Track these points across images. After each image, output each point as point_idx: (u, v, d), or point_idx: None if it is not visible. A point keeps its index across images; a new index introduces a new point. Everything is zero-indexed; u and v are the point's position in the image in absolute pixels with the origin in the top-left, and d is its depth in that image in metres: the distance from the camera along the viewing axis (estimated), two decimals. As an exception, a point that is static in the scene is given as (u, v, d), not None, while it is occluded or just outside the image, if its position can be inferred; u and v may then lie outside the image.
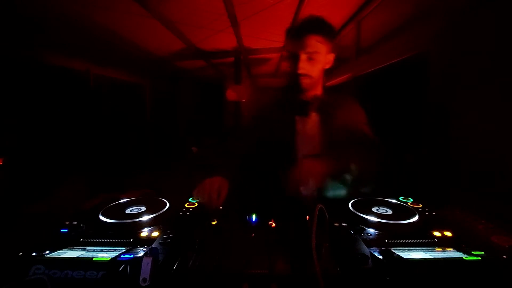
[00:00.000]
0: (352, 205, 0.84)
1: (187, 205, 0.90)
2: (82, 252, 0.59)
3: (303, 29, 0.95)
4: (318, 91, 1.07)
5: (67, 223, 0.75)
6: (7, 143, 2.38)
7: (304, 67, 0.94)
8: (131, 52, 4.07)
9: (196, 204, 0.90)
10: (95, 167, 3.19)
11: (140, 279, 0.49)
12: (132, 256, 0.56)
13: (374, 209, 0.81)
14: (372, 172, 0.92)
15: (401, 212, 0.79)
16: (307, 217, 0.73)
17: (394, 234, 0.69)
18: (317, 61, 0.96)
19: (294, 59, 0.96)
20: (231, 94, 4.81)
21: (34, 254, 0.57)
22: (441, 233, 0.69)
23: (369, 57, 2.57)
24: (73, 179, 2.02)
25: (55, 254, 0.58)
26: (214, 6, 2.63)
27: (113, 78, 3.75)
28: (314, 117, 1.05)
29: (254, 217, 0.75)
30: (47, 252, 0.58)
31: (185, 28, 3.27)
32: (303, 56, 0.94)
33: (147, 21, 2.93)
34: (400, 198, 0.93)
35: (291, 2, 2.55)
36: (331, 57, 1.01)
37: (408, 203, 0.88)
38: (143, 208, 0.83)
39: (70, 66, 2.93)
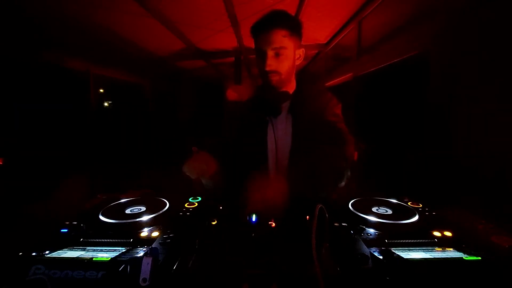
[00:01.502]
0: (352, 205, 0.84)
1: (187, 205, 0.90)
2: (82, 252, 0.59)
3: (268, 24, 0.91)
4: (289, 88, 1.03)
5: (67, 223, 0.75)
6: (7, 143, 2.38)
7: (271, 64, 0.91)
8: (131, 52, 4.07)
9: (196, 204, 0.90)
10: (95, 167, 3.19)
11: (140, 279, 0.49)
12: (132, 256, 0.56)
13: (374, 209, 0.81)
14: (340, 172, 0.88)
15: (401, 212, 0.79)
16: (307, 217, 0.73)
17: (394, 234, 0.69)
18: (285, 57, 0.92)
19: (261, 56, 0.92)
20: (231, 94, 4.80)
21: (34, 254, 0.57)
22: (441, 233, 0.69)
23: (370, 57, 2.56)
24: (73, 179, 2.02)
25: (55, 254, 0.58)
26: (214, 6, 2.63)
27: (113, 78, 3.75)
28: (286, 117, 1.01)
29: (254, 217, 0.75)
30: (47, 252, 0.58)
31: (185, 28, 3.27)
32: (270, 53, 0.90)
33: (147, 21, 2.93)
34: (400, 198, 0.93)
35: (291, 2, 2.55)
36: (300, 52, 0.98)
37: (408, 203, 0.88)
38: (143, 208, 0.83)
39: (70, 66, 2.93)
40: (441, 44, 1.45)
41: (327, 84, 3.83)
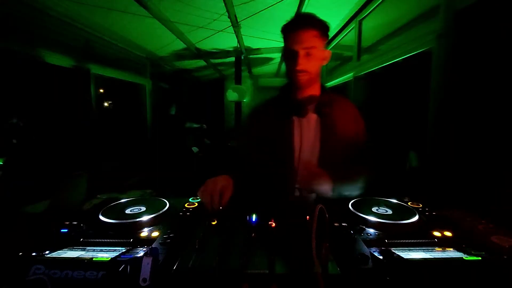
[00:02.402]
0: (352, 205, 0.84)
1: (187, 205, 0.90)
2: (82, 252, 0.59)
3: (300, 24, 0.94)
4: (316, 90, 1.05)
5: (67, 223, 0.75)
6: (7, 143, 2.38)
7: (302, 63, 0.93)
8: (131, 52, 4.07)
9: (196, 204, 0.90)
10: (95, 167, 3.19)
11: (140, 279, 0.49)
12: (132, 256, 0.56)
13: (374, 209, 0.81)
14: (366, 181, 0.94)
15: (401, 212, 0.79)
16: (307, 217, 0.73)
17: (394, 234, 0.69)
18: (314, 57, 0.94)
19: (291, 55, 0.94)
20: (231, 94, 4.81)
21: (34, 254, 0.57)
22: (441, 233, 0.69)
23: (370, 56, 2.56)
24: (73, 179, 2.02)
25: (55, 254, 0.58)
26: (214, 6, 2.63)
27: (113, 78, 3.75)
28: (312, 118, 1.03)
29: (254, 217, 0.75)
30: (47, 252, 0.58)
31: (185, 28, 3.27)
32: (302, 52, 0.93)
33: (147, 21, 2.93)
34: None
35: (291, 2, 2.55)
36: (327, 53, 1.00)
37: (408, 203, 0.88)
38: (143, 208, 0.83)
39: (70, 66, 2.93)
40: (442, 44, 1.45)
41: (327, 84, 3.84)
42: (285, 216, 0.74)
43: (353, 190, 0.92)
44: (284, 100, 1.05)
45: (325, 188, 0.90)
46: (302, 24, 0.94)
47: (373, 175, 0.96)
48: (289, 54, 0.96)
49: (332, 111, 1.02)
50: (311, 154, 1.02)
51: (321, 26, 0.95)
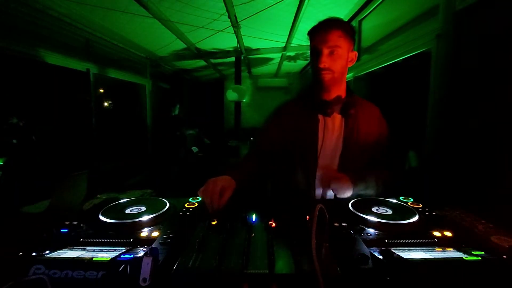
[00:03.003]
0: (352, 205, 0.84)
1: (187, 205, 0.90)
2: (82, 252, 0.59)
3: (325, 24, 0.98)
4: (341, 91, 1.07)
5: (67, 223, 0.75)
6: (7, 143, 2.38)
7: (326, 61, 0.96)
8: (131, 52, 4.07)
9: (196, 204, 0.90)
10: (95, 167, 3.19)
11: (140, 279, 0.49)
12: (132, 256, 0.56)
13: (374, 209, 0.81)
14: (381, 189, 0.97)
15: (401, 212, 0.79)
16: (307, 217, 0.73)
17: (394, 234, 0.69)
18: (338, 56, 0.97)
19: (316, 54, 0.98)
20: (231, 94, 4.81)
21: (34, 254, 0.57)
22: (441, 233, 0.69)
23: (370, 56, 2.56)
24: (73, 179, 2.02)
25: (55, 254, 0.58)
26: (214, 6, 2.64)
27: (113, 78, 3.75)
28: (337, 118, 1.05)
29: (254, 217, 0.75)
30: (47, 252, 0.58)
31: (185, 28, 3.27)
32: (325, 51, 0.96)
33: (147, 21, 2.93)
34: (401, 198, 0.93)
35: (291, 2, 2.55)
36: (353, 55, 1.03)
37: (408, 203, 0.88)
38: (143, 208, 0.83)
39: (70, 66, 2.93)
40: (442, 44, 1.45)
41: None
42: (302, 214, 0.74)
43: (372, 191, 0.96)
44: (309, 99, 1.08)
45: (345, 190, 0.93)
46: (327, 26, 0.97)
47: (397, 179, 0.99)
48: (313, 53, 0.99)
49: (357, 113, 1.04)
50: (332, 155, 1.04)
51: (345, 27, 0.99)
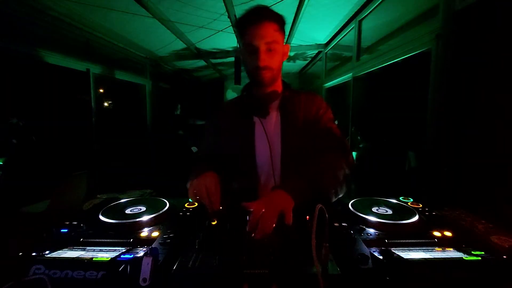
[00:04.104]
0: (352, 205, 0.84)
1: (187, 205, 0.90)
2: (82, 252, 0.59)
3: (258, 17, 0.87)
4: (278, 86, 1.00)
5: (67, 223, 0.75)
6: (7, 143, 2.38)
7: (265, 58, 0.87)
8: (131, 52, 4.07)
9: (196, 204, 0.90)
10: (95, 167, 3.19)
11: (140, 279, 0.49)
12: (132, 256, 0.56)
13: (374, 209, 0.81)
14: (342, 181, 0.80)
15: (401, 212, 0.79)
16: (307, 217, 0.73)
17: (394, 234, 0.69)
18: (276, 52, 0.89)
19: (252, 51, 0.88)
20: (231, 94, 4.81)
21: (34, 254, 0.57)
22: (441, 233, 0.69)
23: (369, 56, 2.57)
24: (73, 179, 2.02)
25: (55, 254, 0.58)
26: (214, 6, 2.64)
27: (113, 78, 3.75)
28: (274, 116, 0.97)
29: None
30: (47, 252, 0.58)
31: (185, 28, 3.27)
32: (263, 47, 0.87)
33: (147, 21, 2.93)
34: (401, 198, 0.93)
35: (291, 2, 2.55)
36: (287, 48, 0.95)
37: (408, 203, 0.88)
38: (143, 208, 0.83)
39: (70, 66, 2.94)
40: (441, 44, 1.45)
41: (325, 85, 3.84)
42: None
43: (334, 188, 0.79)
44: (246, 100, 0.99)
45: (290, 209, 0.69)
46: (261, 17, 0.87)
47: (348, 163, 0.82)
48: (249, 50, 0.89)
49: (295, 107, 0.97)
50: (271, 160, 0.94)
51: (280, 20, 0.90)
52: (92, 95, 3.26)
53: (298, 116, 0.96)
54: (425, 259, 0.55)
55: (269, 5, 0.91)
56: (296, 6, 2.63)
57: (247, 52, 0.90)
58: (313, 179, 0.76)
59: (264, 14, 0.87)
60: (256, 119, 0.96)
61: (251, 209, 0.64)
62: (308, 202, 0.69)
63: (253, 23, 0.87)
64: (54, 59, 2.70)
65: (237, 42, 3.72)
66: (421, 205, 0.87)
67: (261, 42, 0.86)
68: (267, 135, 0.94)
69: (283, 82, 1.02)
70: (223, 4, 2.53)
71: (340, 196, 0.81)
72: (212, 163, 0.93)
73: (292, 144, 0.93)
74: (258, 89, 0.97)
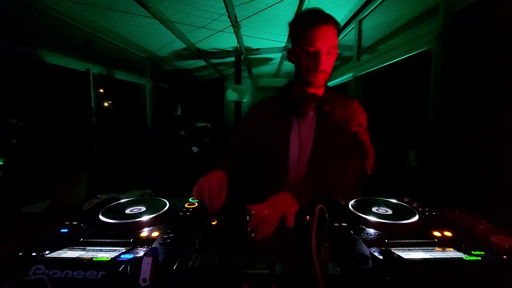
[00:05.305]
0: (352, 205, 0.84)
1: (187, 205, 0.90)
2: (82, 252, 0.59)
3: (323, 20, 0.85)
4: (320, 89, 0.99)
5: (67, 223, 0.75)
6: (7, 143, 2.38)
7: (324, 62, 0.87)
8: (131, 52, 4.07)
9: (196, 204, 0.90)
10: (95, 167, 3.19)
11: (140, 279, 0.49)
12: (132, 256, 0.56)
13: (374, 209, 0.81)
14: (352, 186, 0.80)
15: (401, 212, 0.79)
16: (307, 217, 0.73)
17: (394, 234, 0.69)
18: (333, 56, 0.89)
19: (313, 54, 0.86)
20: (231, 94, 4.81)
21: (34, 254, 0.57)
22: (441, 233, 0.69)
23: (370, 56, 2.56)
24: (73, 179, 2.02)
25: (55, 254, 0.58)
26: (214, 6, 2.64)
27: (113, 78, 3.75)
28: (310, 117, 0.98)
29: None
30: (47, 252, 0.58)
31: (185, 28, 3.27)
32: (325, 51, 0.86)
33: (147, 21, 2.93)
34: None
35: (291, 2, 2.55)
36: (337, 52, 0.95)
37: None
38: (143, 208, 0.83)
39: (70, 66, 2.94)
40: (442, 44, 1.45)
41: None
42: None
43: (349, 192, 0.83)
44: (288, 98, 0.99)
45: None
46: (325, 21, 0.84)
47: (363, 170, 0.83)
48: (309, 52, 0.87)
49: (332, 111, 0.96)
50: (307, 156, 0.95)
51: (339, 25, 0.89)
52: (92, 95, 3.26)
53: (334, 119, 0.95)
54: (425, 259, 0.55)
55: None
56: (296, 6, 2.64)
57: (304, 54, 0.88)
58: (323, 183, 0.77)
59: (327, 18, 0.86)
60: (293, 118, 0.98)
61: (253, 212, 0.65)
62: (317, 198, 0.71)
63: (316, 26, 0.85)
64: (54, 59, 2.70)
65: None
66: (415, 204, 0.87)
67: (324, 46, 0.85)
68: (300, 135, 0.96)
69: (325, 85, 1.01)
70: (223, 4, 2.53)
71: (350, 201, 0.83)
72: (234, 161, 0.95)
73: (323, 146, 0.93)
74: (302, 89, 0.97)
